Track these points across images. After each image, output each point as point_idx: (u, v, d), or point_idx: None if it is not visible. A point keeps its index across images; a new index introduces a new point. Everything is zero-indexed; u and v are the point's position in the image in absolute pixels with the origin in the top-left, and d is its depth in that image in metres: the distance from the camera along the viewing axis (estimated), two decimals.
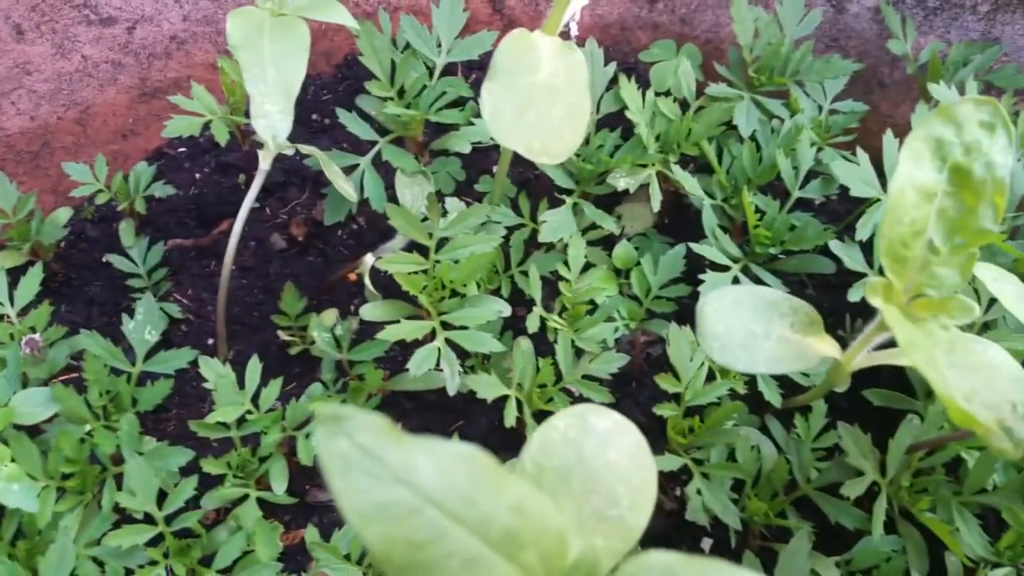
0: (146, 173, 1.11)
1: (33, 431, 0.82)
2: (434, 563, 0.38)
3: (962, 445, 0.83)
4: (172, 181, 1.14)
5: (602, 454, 0.55)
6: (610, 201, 1.10)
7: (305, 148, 0.92)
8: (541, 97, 0.72)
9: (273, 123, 0.71)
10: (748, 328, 0.68)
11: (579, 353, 0.90)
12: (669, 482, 0.91)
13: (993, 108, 0.63)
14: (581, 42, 1.03)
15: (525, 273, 0.95)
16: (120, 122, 1.21)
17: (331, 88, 1.24)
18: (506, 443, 0.93)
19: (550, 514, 0.42)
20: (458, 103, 1.02)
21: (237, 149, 1.19)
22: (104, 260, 1.11)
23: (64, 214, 1.10)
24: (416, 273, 0.87)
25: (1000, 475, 0.82)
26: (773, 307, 0.69)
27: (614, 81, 1.03)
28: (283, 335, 1.02)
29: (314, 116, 1.22)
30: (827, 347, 0.69)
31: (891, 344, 0.67)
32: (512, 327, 0.95)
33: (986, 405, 0.55)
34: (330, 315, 1.00)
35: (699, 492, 0.82)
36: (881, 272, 0.65)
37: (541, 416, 0.85)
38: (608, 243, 1.03)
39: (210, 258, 1.13)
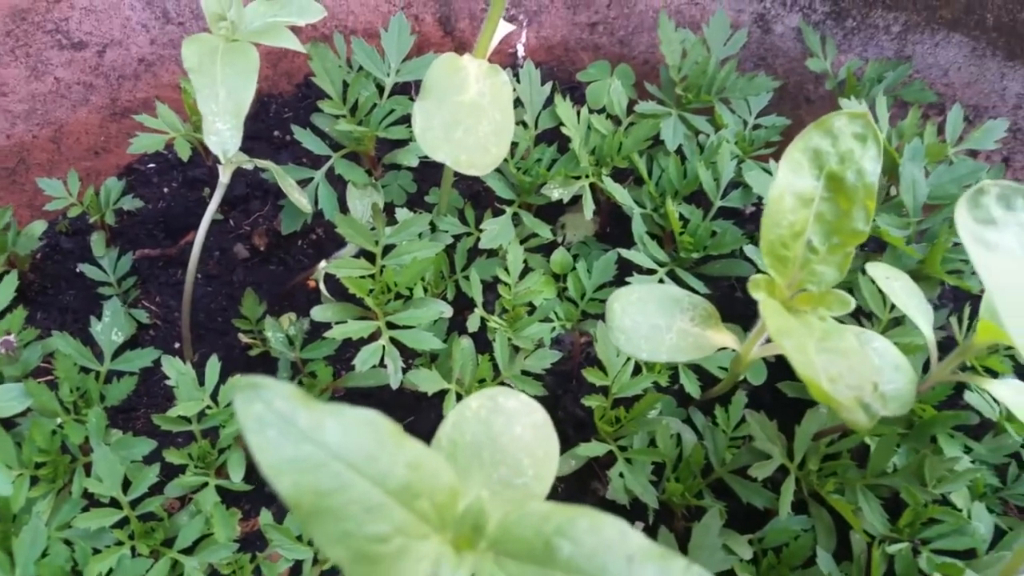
0: (116, 188, 1.18)
1: (8, 424, 0.88)
2: (339, 509, 0.45)
3: (865, 432, 0.91)
4: (141, 195, 1.20)
5: (509, 430, 0.63)
6: (554, 212, 1.18)
7: (262, 163, 0.99)
8: (468, 115, 0.79)
9: (224, 140, 0.78)
10: (652, 322, 0.75)
11: (516, 350, 0.98)
12: (602, 468, 0.99)
13: (865, 121, 0.71)
14: (529, 63, 1.11)
15: (469, 278, 1.03)
16: (92, 140, 1.28)
17: (292, 106, 1.31)
18: None
19: (443, 470, 0.49)
20: (407, 120, 1.09)
21: (202, 164, 1.26)
22: (77, 270, 1.17)
23: (39, 227, 1.16)
24: (364, 277, 0.95)
25: (900, 459, 0.90)
26: (675, 303, 0.76)
27: (552, 99, 1.11)
28: (244, 338, 1.09)
29: (276, 133, 1.29)
30: (724, 338, 0.77)
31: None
32: (458, 328, 1.03)
33: (849, 386, 0.63)
34: (286, 319, 1.07)
35: (621, 475, 0.90)
36: None
37: None
38: (548, 250, 1.10)
39: (177, 267, 1.20)
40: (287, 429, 0.44)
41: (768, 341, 0.78)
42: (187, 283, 1.04)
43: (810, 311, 0.70)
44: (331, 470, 0.45)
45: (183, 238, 1.23)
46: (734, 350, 0.78)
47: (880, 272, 0.83)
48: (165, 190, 1.28)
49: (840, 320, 0.76)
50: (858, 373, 0.63)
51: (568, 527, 0.48)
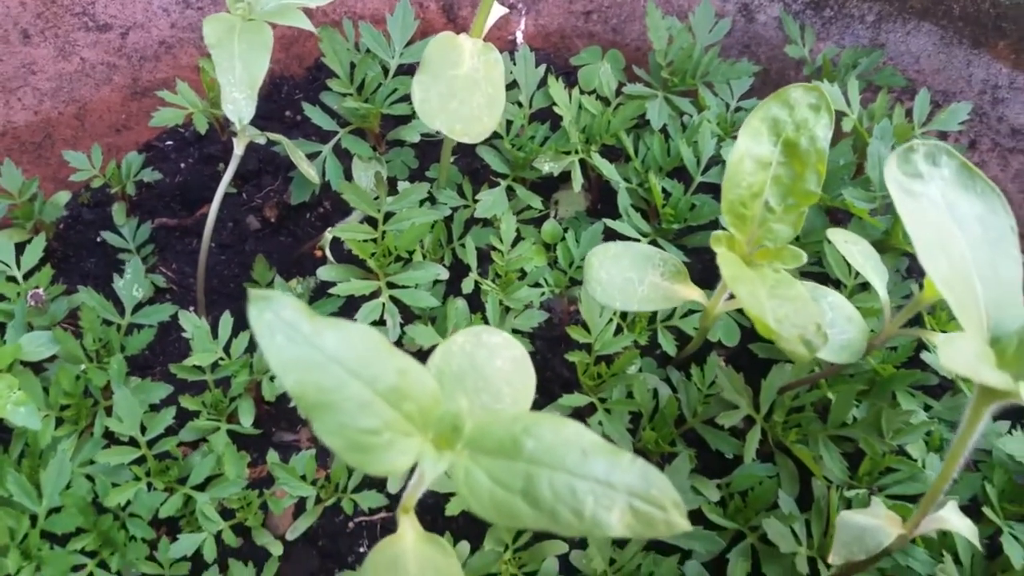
0: (136, 161, 1.26)
1: (36, 369, 0.96)
2: (336, 403, 0.52)
3: (828, 387, 0.99)
4: (160, 169, 1.28)
5: (491, 362, 0.70)
6: (548, 189, 1.25)
7: (274, 136, 1.07)
8: (463, 88, 0.87)
9: (239, 107, 0.86)
10: (626, 275, 0.83)
11: (507, 311, 1.05)
12: (583, 419, 1.06)
13: (819, 94, 0.78)
14: (525, 46, 1.19)
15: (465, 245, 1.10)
16: (114, 117, 1.36)
17: (303, 88, 1.39)
18: None
19: (427, 379, 0.57)
20: (409, 99, 1.16)
21: (217, 141, 1.34)
22: (98, 239, 1.25)
23: (63, 196, 1.24)
24: (366, 241, 1.02)
25: (861, 413, 0.97)
26: (647, 259, 0.84)
27: (546, 80, 1.18)
28: None
29: (287, 113, 1.37)
30: (691, 292, 0.84)
31: None
32: (453, 291, 1.10)
33: (794, 325, 0.70)
34: (294, 281, 1.15)
35: (600, 423, 0.97)
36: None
37: None
38: (541, 223, 1.17)
39: (192, 237, 1.28)
40: (293, 335, 0.52)
41: (733, 296, 0.85)
42: (202, 251, 1.12)
43: (766, 264, 0.78)
44: (329, 371, 0.52)
45: (199, 210, 1.30)
46: (702, 304, 0.85)
47: (840, 237, 0.90)
48: (182, 165, 1.35)
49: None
50: (803, 315, 0.70)
51: (533, 427, 0.55)
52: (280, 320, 0.52)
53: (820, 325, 0.70)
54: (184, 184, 1.32)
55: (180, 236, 1.28)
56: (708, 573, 0.91)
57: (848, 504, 0.92)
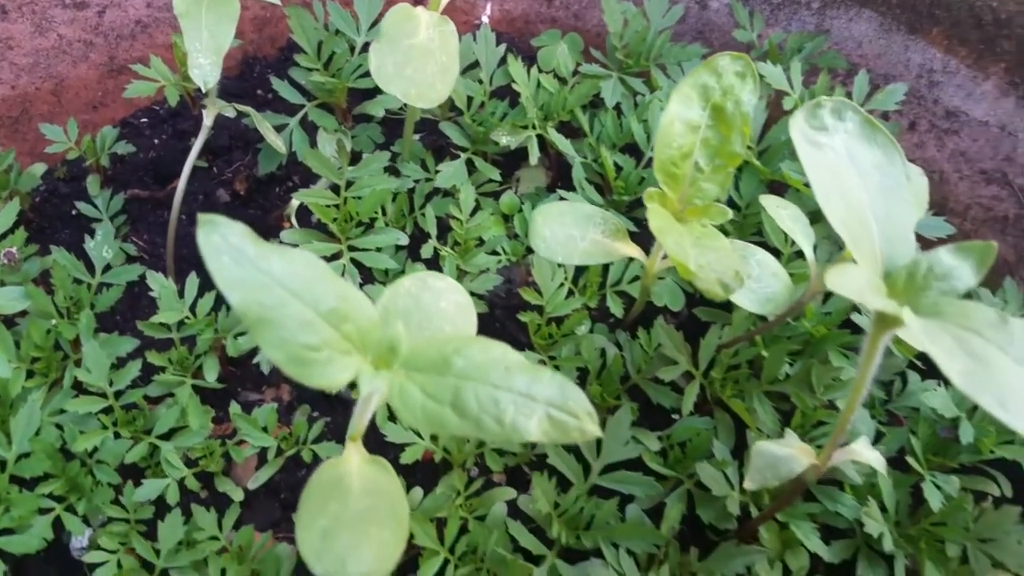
0: (111, 134, 1.30)
1: (8, 323, 1.01)
2: (278, 321, 0.57)
3: (763, 346, 1.04)
4: (134, 144, 1.33)
5: (435, 303, 0.75)
6: (510, 167, 1.30)
7: (242, 108, 1.12)
8: (418, 56, 0.92)
9: (205, 72, 0.91)
10: (568, 232, 0.88)
11: (464, 274, 1.10)
12: None
13: (744, 62, 0.84)
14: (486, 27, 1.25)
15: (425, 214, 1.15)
16: (90, 94, 1.40)
17: (274, 68, 1.44)
18: None
19: (367, 305, 0.62)
20: None
21: (190, 118, 1.38)
22: (73, 212, 1.29)
23: (39, 168, 1.29)
24: (329, 206, 1.07)
25: (791, 368, 1.03)
26: (589, 218, 0.89)
27: (506, 60, 1.24)
28: None
29: (259, 91, 1.42)
30: (630, 249, 0.90)
31: None
32: (414, 257, 1.15)
33: (713, 270, 0.75)
34: None
35: None
36: None
37: None
38: (500, 196, 1.23)
39: (164, 209, 1.32)
40: (238, 257, 0.57)
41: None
42: (171, 221, 1.17)
43: (695, 220, 0.83)
44: (272, 291, 0.57)
45: (171, 183, 1.35)
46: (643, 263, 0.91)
47: (771, 203, 0.95)
48: (156, 141, 1.40)
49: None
50: (724, 263, 0.76)
51: (463, 348, 0.61)
52: (227, 243, 0.56)
53: (738, 272, 0.76)
54: (157, 159, 1.37)
55: (152, 208, 1.32)
56: (647, 516, 0.96)
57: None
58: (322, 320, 0.59)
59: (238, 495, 0.99)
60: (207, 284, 1.15)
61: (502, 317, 1.15)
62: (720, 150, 0.83)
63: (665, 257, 0.92)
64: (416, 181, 1.20)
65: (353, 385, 0.62)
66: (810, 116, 0.69)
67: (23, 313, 1.01)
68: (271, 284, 0.57)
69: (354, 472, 0.68)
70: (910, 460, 0.99)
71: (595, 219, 0.89)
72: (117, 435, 0.97)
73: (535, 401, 0.58)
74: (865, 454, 0.77)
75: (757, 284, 0.89)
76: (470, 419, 0.58)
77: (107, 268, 1.09)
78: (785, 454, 0.77)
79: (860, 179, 0.66)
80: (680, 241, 0.77)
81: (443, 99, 0.93)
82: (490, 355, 0.60)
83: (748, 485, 0.79)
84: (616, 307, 1.09)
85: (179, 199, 1.15)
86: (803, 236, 0.93)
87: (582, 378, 1.05)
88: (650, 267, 0.93)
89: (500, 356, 0.60)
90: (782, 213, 0.95)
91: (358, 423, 0.70)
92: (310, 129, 1.22)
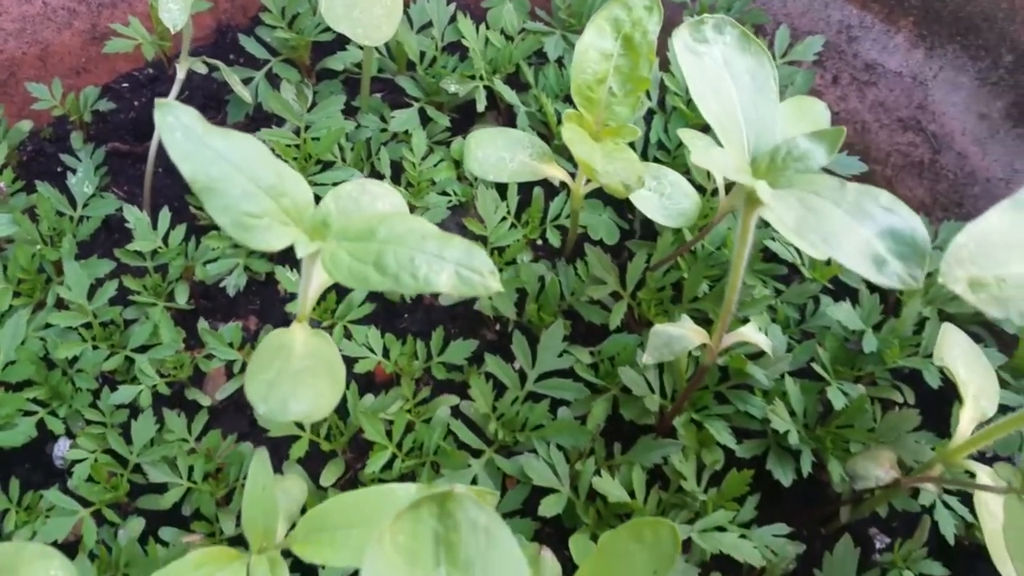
0: (93, 93, 1.40)
1: None
2: (223, 191, 0.67)
3: (684, 269, 1.14)
4: (115, 106, 1.43)
5: (372, 204, 0.85)
6: (465, 123, 1.40)
7: (211, 61, 1.22)
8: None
9: (173, 15, 1.01)
10: (499, 155, 0.98)
11: (414, 210, 1.20)
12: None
13: None
14: None
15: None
16: (74, 60, 1.50)
17: (246, 35, 1.54)
18: None
19: (303, 184, 0.72)
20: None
21: (168, 82, 1.48)
22: (59, 169, 1.39)
23: (26, 124, 1.38)
24: (290, 146, 1.17)
25: (710, 290, 1.13)
26: (518, 142, 1.00)
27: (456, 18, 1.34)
28: (194, 211, 1.30)
29: (231, 56, 1.52)
30: (555, 171, 1.00)
31: None
32: None
33: (619, 176, 0.86)
34: None
35: (490, 299, 1.12)
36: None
37: None
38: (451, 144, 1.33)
39: (142, 163, 1.41)
40: (189, 134, 0.67)
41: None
42: (147, 172, 1.27)
43: (609, 140, 0.93)
44: (218, 164, 0.67)
45: (148, 140, 1.45)
46: (566, 184, 1.01)
47: (688, 135, 1.05)
48: (135, 103, 1.50)
49: None
50: (628, 170, 0.86)
51: (386, 219, 0.71)
52: (179, 122, 0.66)
53: (640, 177, 0.86)
54: (136, 119, 1.47)
55: (132, 163, 1.42)
56: (574, 418, 1.06)
57: (696, 360, 1.08)
58: (263, 192, 0.69)
59: (206, 401, 1.08)
60: (178, 220, 1.26)
61: (452, 226, 1.25)
62: (630, 76, 0.93)
63: (589, 181, 1.02)
64: (373, 131, 1.30)
65: None
66: (693, 30, 0.79)
67: (10, 241, 1.11)
68: (216, 158, 0.67)
69: (298, 339, 0.78)
70: (817, 368, 1.09)
71: (523, 143, 1.00)
72: (95, 347, 1.07)
73: (445, 260, 0.68)
74: (753, 336, 0.87)
75: (670, 201, 0.99)
76: (389, 275, 0.68)
77: (87, 204, 1.19)
78: (679, 334, 0.87)
79: (733, 81, 0.76)
80: (590, 151, 0.87)
81: (388, 38, 1.03)
82: (408, 225, 0.70)
83: (646, 360, 0.89)
84: (554, 238, 1.19)
85: (154, 152, 1.24)
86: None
87: (521, 299, 1.15)
88: (576, 190, 1.03)
89: (417, 226, 0.70)
90: (697, 143, 1.05)
91: (303, 303, 0.80)
92: (275, 83, 1.32)
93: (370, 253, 0.69)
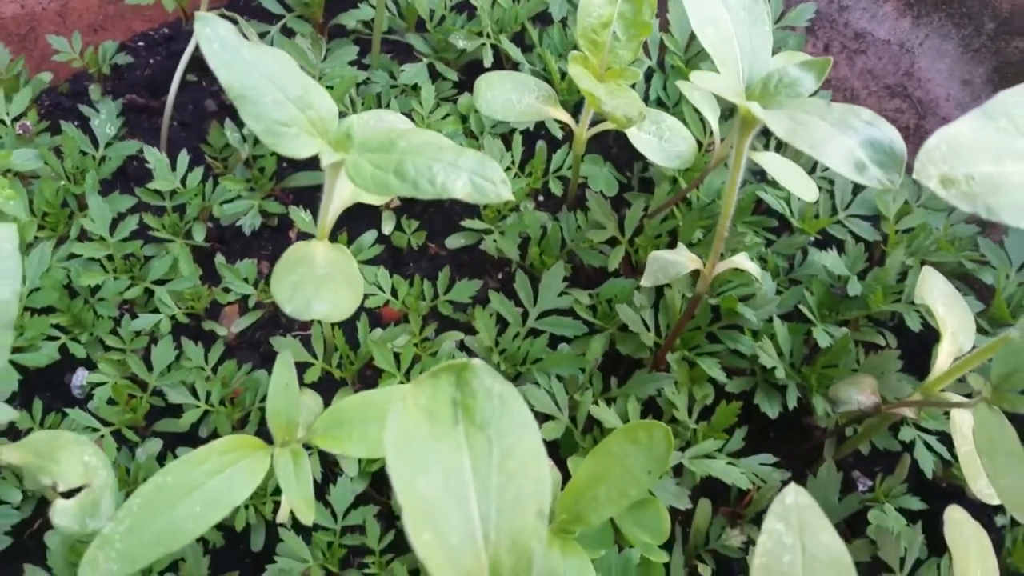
0: (112, 47, 1.45)
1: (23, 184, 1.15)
2: (256, 98, 0.72)
3: (679, 217, 1.20)
4: (132, 64, 1.47)
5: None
6: (471, 78, 1.45)
7: (229, 14, 1.27)
8: None
9: None
10: (507, 96, 1.04)
11: None
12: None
13: None
14: None
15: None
16: (92, 18, 1.55)
17: None
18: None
19: (328, 99, 0.77)
20: None
21: (182, 40, 1.53)
22: (76, 124, 1.43)
23: (47, 75, 1.43)
24: None
25: (700, 235, 1.19)
26: (524, 85, 1.05)
27: None
28: (209, 160, 1.35)
29: (245, 17, 1.57)
30: (559, 113, 1.05)
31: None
32: None
33: (621, 110, 0.91)
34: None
35: (495, 240, 1.18)
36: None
37: None
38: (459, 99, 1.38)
39: (158, 117, 1.46)
40: (225, 45, 0.72)
41: (596, 123, 1.06)
42: (163, 126, 1.32)
43: (612, 80, 0.99)
44: (251, 75, 0.72)
45: (164, 95, 1.50)
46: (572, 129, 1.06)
47: (686, 86, 1.11)
48: (151, 61, 1.54)
49: None
50: (630, 106, 0.92)
51: (405, 134, 0.76)
52: (216, 34, 0.72)
53: (641, 112, 0.91)
54: (152, 75, 1.51)
55: (148, 116, 1.46)
56: (572, 351, 1.11)
57: (691, 303, 1.13)
58: (291, 103, 0.74)
59: (222, 333, 1.13)
60: (195, 163, 1.31)
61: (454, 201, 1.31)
62: (633, 21, 0.99)
63: (591, 126, 1.07)
64: (383, 86, 1.35)
65: None
66: None
67: (35, 177, 1.16)
68: (250, 68, 0.73)
69: (319, 251, 0.83)
70: (804, 311, 1.15)
71: (529, 86, 1.05)
72: (116, 278, 1.12)
73: (460, 169, 0.73)
74: (745, 264, 0.93)
75: (668, 144, 1.05)
76: (409, 182, 0.73)
77: (109, 145, 1.24)
78: (675, 259, 0.93)
79: (729, 13, 0.81)
80: (594, 88, 0.92)
81: None
82: (426, 138, 0.75)
83: (644, 283, 0.95)
84: (557, 188, 1.24)
85: (170, 107, 1.30)
86: (709, 109, 1.09)
87: (524, 244, 1.20)
88: (579, 134, 1.09)
89: (434, 139, 0.75)
90: (694, 93, 1.11)
91: (323, 219, 0.85)
92: (290, 36, 1.37)
93: (391, 162, 0.74)
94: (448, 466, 0.56)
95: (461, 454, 0.57)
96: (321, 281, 0.79)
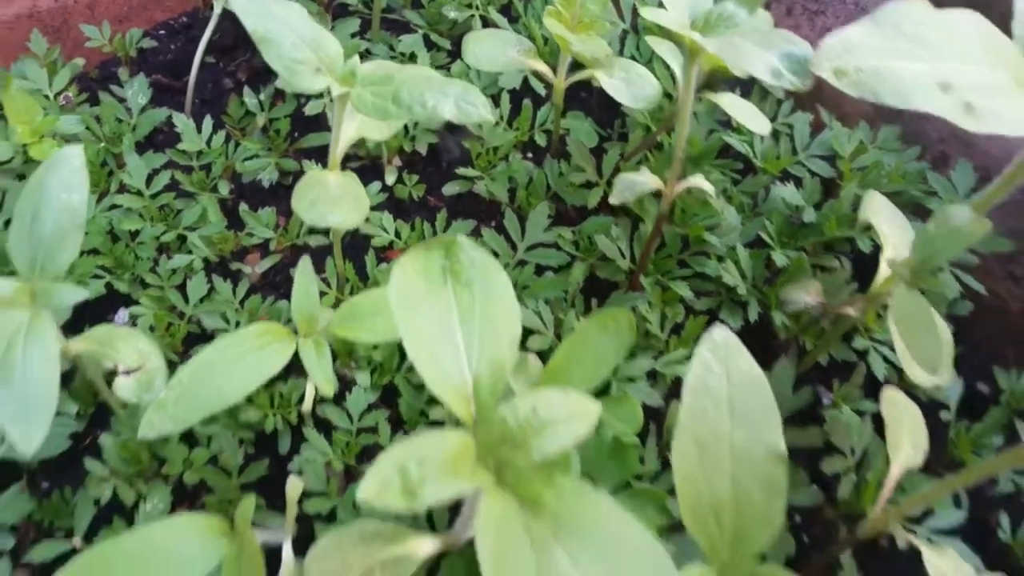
0: (137, 33, 1.60)
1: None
2: (277, 41, 0.87)
3: (652, 161, 1.34)
4: (155, 50, 1.62)
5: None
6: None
7: None
8: None
9: None
10: (492, 51, 1.18)
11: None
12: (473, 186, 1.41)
13: None
14: None
15: None
16: (118, 9, 1.70)
17: None
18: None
19: (335, 42, 0.91)
20: None
21: (201, 28, 1.68)
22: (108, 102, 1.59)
23: (80, 61, 1.58)
24: None
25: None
26: (507, 41, 1.19)
27: None
28: (230, 129, 1.50)
29: None
30: (539, 65, 1.20)
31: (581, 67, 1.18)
32: None
33: (590, 52, 1.05)
34: (263, 94, 1.49)
35: (486, 186, 1.32)
36: None
37: None
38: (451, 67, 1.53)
39: (181, 95, 1.62)
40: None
41: (574, 71, 1.21)
42: (187, 104, 1.47)
43: (583, 31, 1.13)
44: (274, 21, 0.87)
45: (187, 76, 1.65)
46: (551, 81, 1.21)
47: (656, 41, 1.25)
48: (172, 47, 1.70)
49: None
50: (596, 49, 1.06)
51: (401, 68, 0.90)
52: None
53: (608, 54, 1.06)
54: (174, 60, 1.67)
55: (172, 95, 1.62)
56: (556, 278, 1.25)
57: (661, 234, 1.27)
58: (305, 45, 0.89)
59: (248, 271, 1.28)
60: (218, 128, 1.46)
61: (453, 144, 1.45)
62: None
63: (569, 75, 1.22)
64: (383, 56, 1.50)
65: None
66: None
67: (77, 140, 1.31)
68: (272, 17, 0.87)
69: (331, 177, 0.97)
70: (764, 238, 1.28)
71: (512, 42, 1.19)
72: (153, 225, 1.26)
73: (448, 95, 0.87)
74: (702, 184, 1.06)
75: (635, 88, 1.18)
76: (404, 107, 0.87)
77: (142, 112, 1.39)
78: (640, 179, 1.07)
79: None
80: (566, 32, 1.07)
81: None
82: (419, 72, 0.90)
83: (612, 200, 1.09)
84: (541, 140, 1.39)
85: (192, 85, 1.45)
86: (673, 59, 1.23)
87: (513, 189, 1.35)
88: (558, 84, 1.23)
89: (426, 72, 0.90)
90: (661, 46, 1.25)
91: (333, 150, 1.00)
92: None
93: (388, 92, 0.88)
94: (440, 311, 0.70)
95: (450, 303, 0.71)
96: (333, 199, 0.93)
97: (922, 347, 0.90)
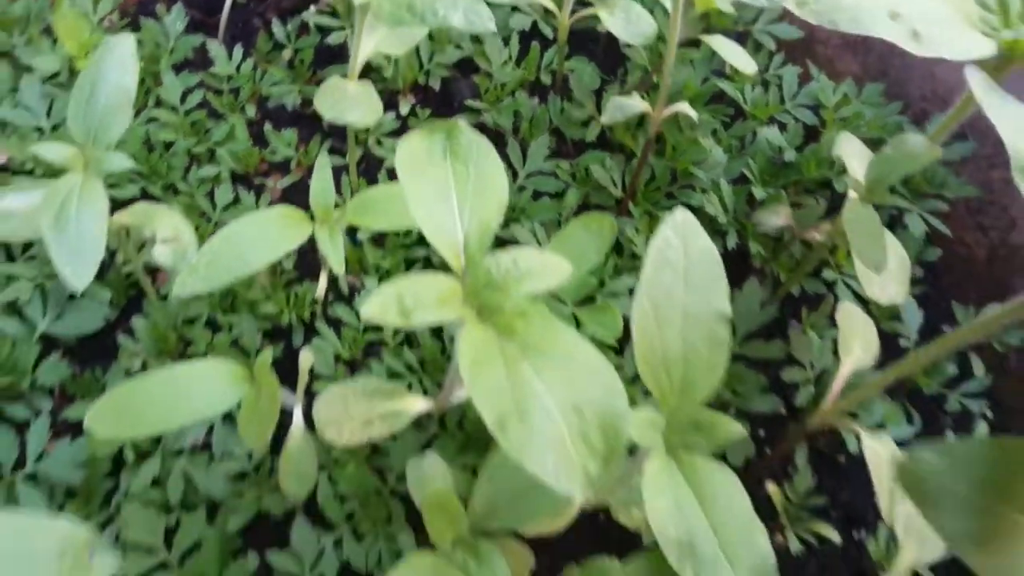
0: None
1: None
2: None
3: (648, 98, 1.44)
4: None
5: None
6: None
7: None
8: None
9: None
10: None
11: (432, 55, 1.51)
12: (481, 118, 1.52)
13: None
14: None
15: None
16: None
17: None
18: None
19: None
20: None
21: None
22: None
23: None
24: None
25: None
26: None
27: None
28: (257, 61, 1.62)
29: None
30: (545, 2, 1.30)
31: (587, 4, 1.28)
32: None
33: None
34: (289, 25, 1.61)
35: (492, 117, 1.43)
36: None
37: None
38: None
39: (213, 32, 1.73)
40: None
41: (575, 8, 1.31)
42: (219, 36, 1.58)
43: None
44: None
45: (219, 15, 1.76)
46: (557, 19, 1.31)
47: None
48: None
49: None
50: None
51: None
52: None
53: (612, 8, 1.16)
54: (208, 0, 1.78)
55: (205, 30, 1.73)
56: (552, 203, 1.36)
57: (652, 169, 1.38)
58: None
59: (271, 184, 1.39)
60: (247, 57, 1.57)
61: (464, 86, 1.55)
62: None
63: (572, 13, 1.32)
64: None
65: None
66: None
67: None
68: None
69: (350, 85, 1.09)
70: (747, 174, 1.39)
71: None
72: (185, 138, 1.38)
73: (457, 7, 0.98)
74: (686, 110, 1.17)
75: (634, 26, 1.29)
76: (417, 15, 0.98)
77: (178, 38, 1.51)
78: (630, 102, 1.17)
79: None
80: None
81: None
82: None
83: (604, 120, 1.19)
84: (546, 79, 1.49)
85: (224, 23, 1.56)
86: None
87: (517, 122, 1.45)
88: (562, 20, 1.34)
89: None
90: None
91: (353, 62, 1.11)
92: None
93: (404, 2, 0.99)
94: (439, 179, 0.81)
95: (448, 174, 0.82)
96: (352, 101, 1.05)
97: (869, 249, 1.00)
